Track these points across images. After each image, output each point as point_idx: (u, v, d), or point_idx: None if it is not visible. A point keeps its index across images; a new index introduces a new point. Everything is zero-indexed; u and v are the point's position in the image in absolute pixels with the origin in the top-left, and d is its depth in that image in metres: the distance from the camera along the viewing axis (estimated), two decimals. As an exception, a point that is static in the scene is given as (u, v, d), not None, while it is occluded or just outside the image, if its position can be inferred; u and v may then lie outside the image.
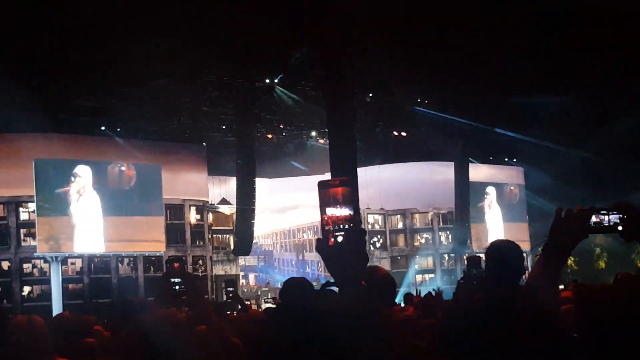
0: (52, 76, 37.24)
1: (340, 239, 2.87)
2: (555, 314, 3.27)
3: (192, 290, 4.75)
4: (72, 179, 44.62)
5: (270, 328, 2.61)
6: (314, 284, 6.21)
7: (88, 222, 44.62)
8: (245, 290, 53.72)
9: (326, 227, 2.89)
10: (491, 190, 61.73)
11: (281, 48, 34.85)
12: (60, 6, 29.38)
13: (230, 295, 11.04)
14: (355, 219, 2.88)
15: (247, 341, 5.40)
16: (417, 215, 61.99)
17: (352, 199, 2.90)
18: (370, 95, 44.85)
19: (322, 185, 2.92)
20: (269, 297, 44.57)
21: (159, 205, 47.88)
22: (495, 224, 60.13)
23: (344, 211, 2.88)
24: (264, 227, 62.74)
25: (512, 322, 3.75)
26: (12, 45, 31.68)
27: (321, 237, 2.90)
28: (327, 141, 35.44)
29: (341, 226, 2.87)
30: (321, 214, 2.89)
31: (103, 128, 46.03)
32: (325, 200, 2.89)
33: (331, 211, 2.88)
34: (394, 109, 48.35)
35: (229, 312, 11.42)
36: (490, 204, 61.63)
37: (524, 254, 5.56)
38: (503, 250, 5.37)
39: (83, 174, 44.90)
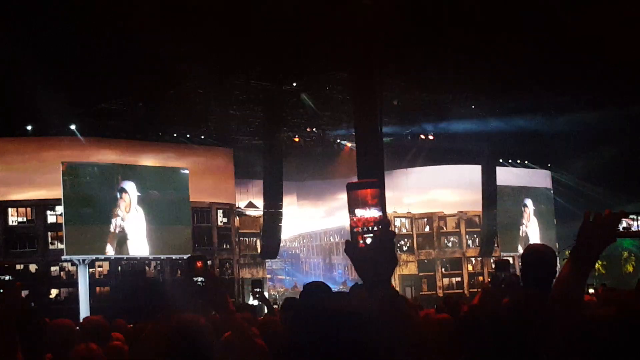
0: (81, 79, 37.43)
1: (369, 240, 2.84)
2: (583, 318, 3.20)
3: (216, 291, 4.70)
4: (119, 195, 45.15)
5: (291, 330, 2.56)
6: (341, 287, 6.18)
7: (134, 233, 45.17)
8: (273, 293, 53.72)
9: (355, 229, 2.86)
10: (529, 203, 61.60)
11: (309, 52, 34.80)
12: (90, 10, 29.51)
13: (257, 296, 11.02)
14: (385, 220, 2.85)
15: (272, 342, 5.36)
16: (444, 219, 61.81)
17: (380, 201, 2.86)
18: (397, 100, 44.71)
19: (350, 187, 2.89)
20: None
21: (187, 214, 48.11)
22: (532, 234, 59.97)
23: (373, 213, 2.85)
24: (291, 231, 62.77)
25: (540, 327, 3.69)
26: (43, 48, 31.85)
27: (350, 239, 2.87)
28: (355, 144, 35.42)
29: (370, 228, 2.84)
30: (350, 216, 2.86)
31: (131, 132, 46.26)
32: (354, 202, 2.87)
33: (360, 213, 2.86)
34: (423, 111, 48.25)
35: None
36: (529, 216, 61.53)
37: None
38: (540, 254, 5.36)
39: (129, 189, 45.42)
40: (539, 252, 5.45)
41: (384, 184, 26.91)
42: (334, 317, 2.49)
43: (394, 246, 2.90)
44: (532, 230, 60.87)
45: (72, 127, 43.52)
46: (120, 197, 45.25)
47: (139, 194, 45.94)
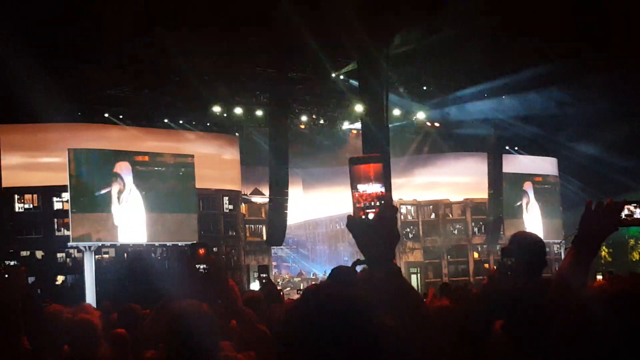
0: (87, 66, 37.45)
1: (371, 216, 2.82)
2: (586, 306, 3.17)
3: (218, 280, 4.70)
4: (113, 178, 45.00)
5: (300, 316, 2.54)
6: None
7: (130, 219, 45.03)
8: (278, 280, 53.79)
9: (357, 205, 2.84)
10: (528, 189, 61.43)
11: (314, 39, 34.77)
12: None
13: (264, 281, 11.05)
14: (387, 196, 2.83)
15: (277, 329, 5.35)
16: (449, 207, 61.73)
17: (384, 177, 2.85)
18: (402, 86, 44.65)
19: (353, 161, 2.88)
20: (302, 287, 44.64)
21: (193, 200, 48.06)
22: (533, 222, 59.73)
23: (375, 188, 2.83)
24: (296, 217, 62.78)
25: (540, 315, 3.68)
26: (46, 34, 31.85)
27: (352, 214, 2.86)
28: (361, 131, 35.45)
29: (372, 203, 2.82)
30: (352, 191, 2.84)
31: (136, 118, 46.24)
32: (357, 177, 2.85)
33: (362, 188, 2.84)
34: (427, 98, 48.18)
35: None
36: (527, 203, 61.33)
37: (559, 244, 5.53)
38: (527, 242, 5.33)
39: (122, 171, 45.27)
40: (525, 240, 5.41)
41: (389, 163, 26.92)
42: (336, 303, 2.47)
43: (396, 222, 2.88)
44: (536, 217, 60.73)
45: (78, 113, 43.53)
46: (126, 184, 45.23)
47: (145, 181, 45.92)
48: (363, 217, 2.81)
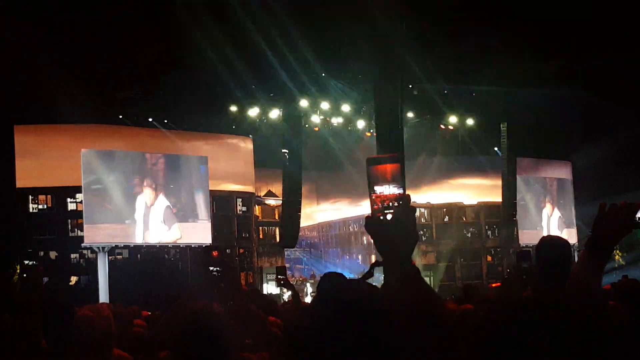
0: (102, 67, 37.52)
1: (389, 217, 2.81)
2: (602, 309, 3.16)
3: (231, 282, 4.70)
4: (138, 182, 45.07)
5: (311, 319, 2.52)
6: (358, 276, 6.13)
7: (149, 222, 45.14)
8: (291, 282, 53.84)
9: (374, 207, 2.83)
10: (549, 193, 61.16)
11: (327, 39, 34.77)
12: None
13: (282, 282, 11.09)
14: (405, 196, 2.82)
15: (289, 330, 5.35)
16: (463, 209, 61.67)
17: (401, 177, 2.84)
18: (415, 88, 44.55)
19: (370, 162, 2.86)
20: (315, 290, 44.63)
21: (206, 202, 48.02)
22: (552, 227, 59.51)
23: (393, 190, 2.82)
24: (309, 220, 62.81)
25: (560, 321, 3.66)
26: (60, 36, 31.94)
27: (370, 215, 2.85)
28: (374, 133, 35.36)
29: (390, 204, 2.81)
30: (369, 192, 2.83)
31: (150, 120, 46.26)
32: (374, 178, 2.84)
33: (380, 189, 2.83)
34: (441, 100, 48.05)
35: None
36: (550, 207, 61.09)
37: (572, 248, 5.51)
38: (554, 246, 5.28)
39: (149, 177, 45.39)
40: (553, 244, 5.37)
41: (403, 163, 26.91)
42: (353, 303, 2.45)
43: (414, 222, 2.87)
44: (552, 221, 60.57)
45: (92, 115, 43.62)
46: (139, 185, 45.30)
47: (158, 182, 45.99)
48: (381, 218, 2.80)
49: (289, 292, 10.89)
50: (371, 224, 2.82)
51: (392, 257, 2.85)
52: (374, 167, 2.84)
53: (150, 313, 11.13)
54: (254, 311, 4.86)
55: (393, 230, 2.80)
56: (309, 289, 48.29)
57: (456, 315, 5.51)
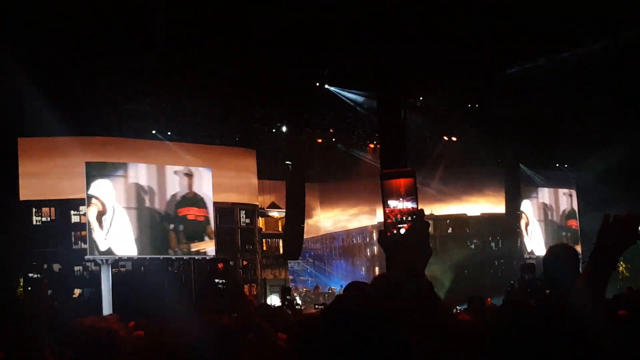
0: (104, 79, 37.56)
1: (402, 231, 2.81)
2: (603, 321, 3.15)
3: (236, 294, 4.68)
4: (141, 194, 44.84)
5: (320, 330, 2.51)
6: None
7: (152, 233, 44.98)
8: (294, 294, 53.76)
9: (388, 220, 2.83)
10: (550, 205, 61.02)
11: (333, 52, 34.85)
12: (110, 8, 29.64)
13: (287, 303, 11.13)
14: (419, 211, 2.81)
15: (294, 343, 5.33)
16: (466, 221, 61.57)
17: (414, 192, 2.84)
18: (421, 99, 44.62)
19: (384, 176, 2.87)
20: (320, 301, 44.55)
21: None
22: (553, 237, 59.31)
23: (407, 204, 2.82)
24: (313, 231, 62.77)
25: (561, 330, 3.64)
26: (63, 48, 31.99)
27: (384, 229, 2.84)
28: (378, 145, 35.42)
29: (403, 218, 2.81)
30: (384, 207, 2.83)
31: (154, 132, 46.31)
32: (388, 193, 2.84)
33: (393, 204, 2.83)
34: (445, 113, 48.10)
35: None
36: (556, 217, 60.92)
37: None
38: (562, 255, 5.27)
39: (152, 189, 45.22)
40: (560, 253, 5.37)
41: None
42: (365, 316, 2.44)
43: (428, 237, 2.86)
44: (555, 232, 60.44)
45: (95, 127, 43.65)
46: (143, 197, 45.24)
47: (162, 194, 45.92)
48: (395, 232, 2.79)
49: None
50: (384, 238, 2.82)
51: (405, 271, 2.84)
52: (387, 181, 2.85)
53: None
54: (259, 323, 4.84)
55: (406, 244, 2.79)
56: (316, 301, 48.13)
57: (466, 329, 5.50)
